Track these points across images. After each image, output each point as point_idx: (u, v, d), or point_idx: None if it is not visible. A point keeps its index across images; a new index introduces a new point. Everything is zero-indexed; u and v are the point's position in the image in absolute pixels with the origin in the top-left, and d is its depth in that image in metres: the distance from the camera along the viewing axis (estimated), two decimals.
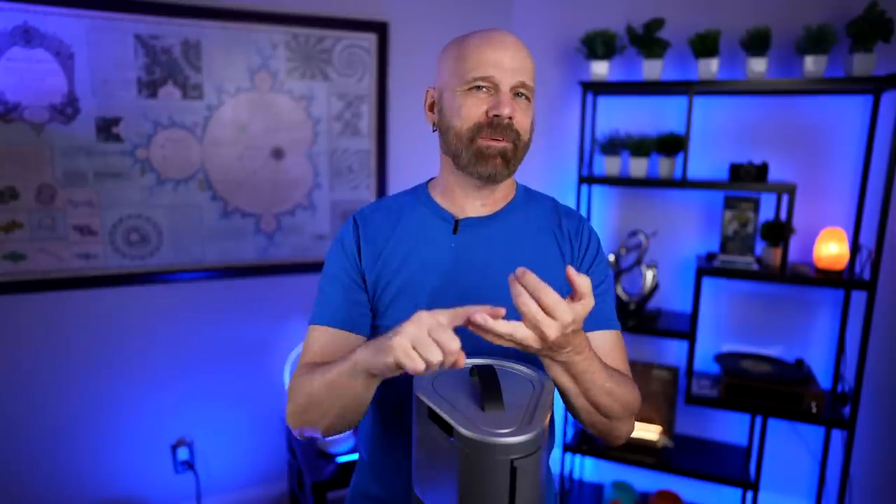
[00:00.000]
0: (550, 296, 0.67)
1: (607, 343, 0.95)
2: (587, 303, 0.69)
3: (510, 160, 0.89)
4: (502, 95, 0.87)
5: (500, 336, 0.70)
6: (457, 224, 0.96)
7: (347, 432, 2.12)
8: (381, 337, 0.74)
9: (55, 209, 1.98)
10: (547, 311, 0.67)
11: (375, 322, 0.96)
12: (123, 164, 2.05)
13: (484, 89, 0.88)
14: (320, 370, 0.84)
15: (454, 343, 0.67)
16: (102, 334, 2.11)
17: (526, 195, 1.02)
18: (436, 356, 0.67)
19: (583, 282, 0.68)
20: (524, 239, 0.96)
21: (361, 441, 1.04)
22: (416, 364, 0.68)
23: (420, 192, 1.01)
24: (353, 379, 0.78)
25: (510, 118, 0.87)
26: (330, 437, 0.91)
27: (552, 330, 0.68)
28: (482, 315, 0.68)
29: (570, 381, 0.80)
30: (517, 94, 0.89)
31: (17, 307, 1.99)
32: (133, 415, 2.20)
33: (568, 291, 0.91)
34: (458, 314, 0.69)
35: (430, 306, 0.92)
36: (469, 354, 0.87)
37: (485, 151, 0.88)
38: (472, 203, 0.96)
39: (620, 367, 0.94)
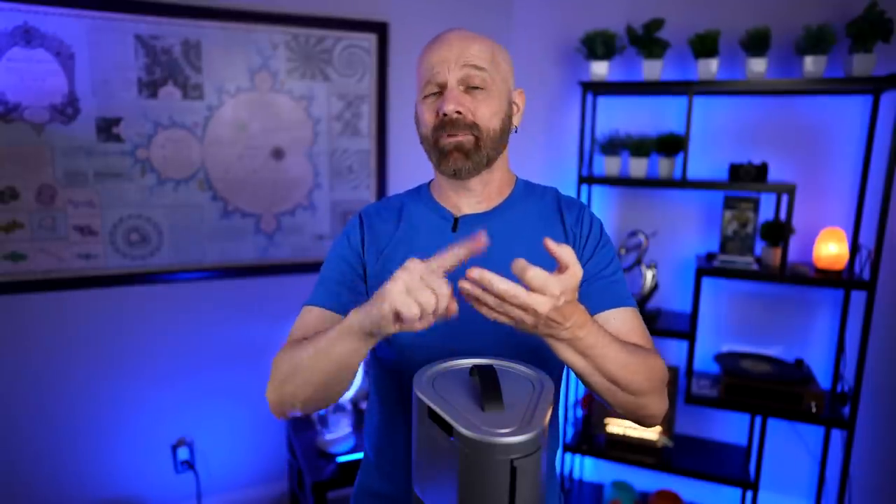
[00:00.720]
0: (536, 276, 0.66)
1: (626, 322, 0.92)
2: (574, 272, 0.69)
3: (470, 152, 0.90)
4: (447, 92, 0.89)
5: (491, 306, 0.70)
6: (456, 222, 0.97)
7: (348, 434, 2.12)
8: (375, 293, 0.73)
9: (55, 209, 1.99)
10: (536, 290, 0.67)
11: None
12: (124, 164, 2.05)
13: (437, 94, 0.91)
14: (309, 340, 0.83)
15: (445, 287, 0.68)
16: (102, 334, 2.12)
17: (525, 189, 1.03)
18: (429, 299, 0.68)
19: (564, 252, 0.68)
20: (523, 233, 0.97)
21: (367, 439, 1.05)
22: (410, 309, 0.67)
23: (422, 192, 1.03)
24: (343, 341, 0.77)
25: (458, 112, 0.88)
26: (306, 411, 0.88)
27: (543, 305, 0.67)
28: (479, 270, 0.67)
29: (580, 359, 0.77)
30: (472, 87, 0.90)
31: (18, 307, 1.99)
32: (133, 414, 2.20)
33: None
34: (445, 258, 0.70)
35: None
36: (469, 354, 0.87)
37: (443, 149, 0.90)
38: (467, 201, 0.97)
39: (642, 343, 0.91)
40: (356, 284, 0.96)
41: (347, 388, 0.86)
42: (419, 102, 0.94)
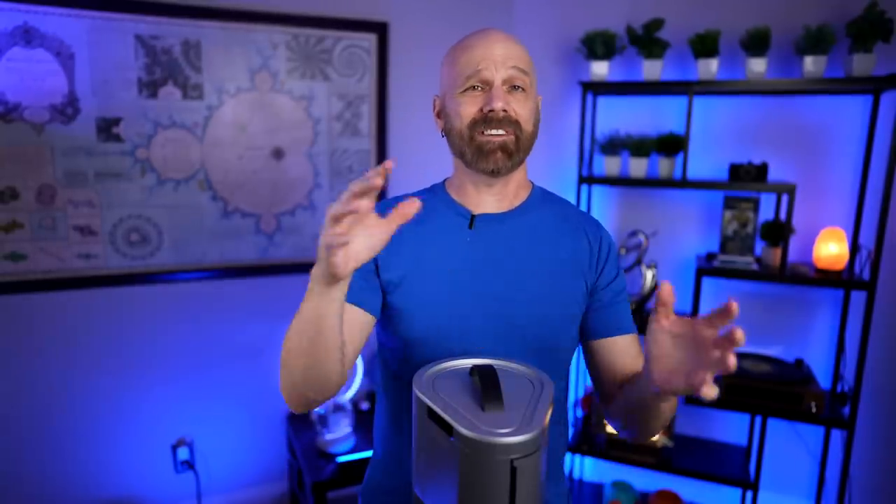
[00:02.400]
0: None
1: (633, 346, 1.01)
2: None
3: (512, 152, 0.91)
4: (494, 90, 0.89)
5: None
6: (472, 219, 0.97)
7: (348, 434, 2.12)
8: None
9: (55, 209, 1.99)
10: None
11: (391, 312, 0.96)
12: (123, 164, 2.05)
13: (478, 88, 0.90)
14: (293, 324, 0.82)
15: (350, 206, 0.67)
16: (102, 334, 2.11)
17: (542, 196, 1.04)
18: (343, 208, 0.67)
19: None
20: (539, 237, 0.98)
21: (375, 437, 1.06)
22: (334, 228, 0.67)
23: (437, 189, 1.04)
24: (310, 299, 0.76)
25: (505, 110, 0.89)
26: (315, 397, 0.86)
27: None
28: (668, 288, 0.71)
29: (673, 403, 0.88)
30: (513, 87, 0.90)
31: (18, 307, 1.99)
32: (133, 415, 2.20)
33: (580, 289, 0.96)
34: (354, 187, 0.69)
35: (445, 299, 0.93)
36: (471, 354, 0.87)
37: (485, 146, 0.90)
38: (486, 199, 0.98)
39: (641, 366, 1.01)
40: (369, 278, 0.94)
41: (339, 364, 0.83)
42: (453, 96, 0.92)
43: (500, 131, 0.89)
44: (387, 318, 0.97)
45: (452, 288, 0.93)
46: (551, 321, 0.95)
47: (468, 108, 0.91)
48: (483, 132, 0.90)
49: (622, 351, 1.00)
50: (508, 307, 0.93)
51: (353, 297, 0.93)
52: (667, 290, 0.73)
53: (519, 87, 0.91)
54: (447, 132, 0.96)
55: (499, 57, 0.89)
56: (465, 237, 0.96)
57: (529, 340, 0.93)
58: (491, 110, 0.88)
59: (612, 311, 1.01)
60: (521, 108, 0.90)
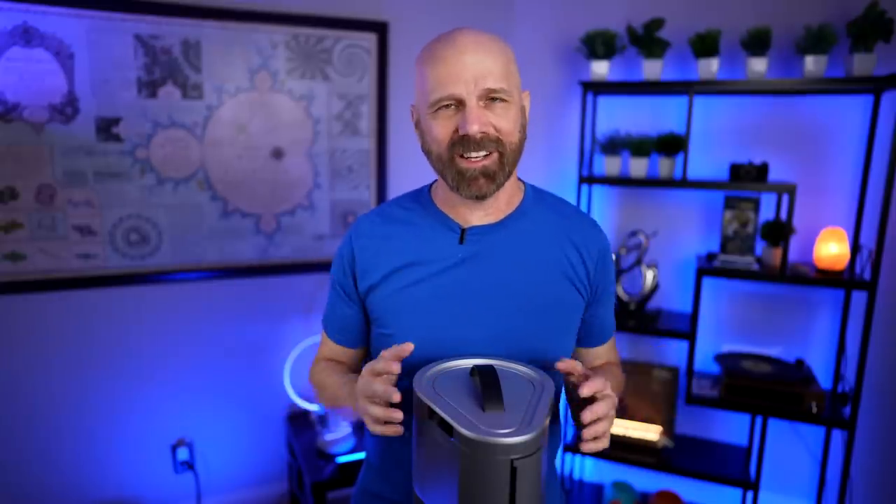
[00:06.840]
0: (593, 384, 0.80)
1: (610, 347, 1.09)
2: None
3: (495, 174, 0.85)
4: (468, 111, 0.82)
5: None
6: (463, 233, 0.93)
7: (348, 435, 2.12)
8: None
9: (55, 209, 1.98)
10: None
11: (387, 331, 0.94)
12: (123, 164, 2.05)
13: (451, 107, 0.84)
14: (328, 384, 0.99)
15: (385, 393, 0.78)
16: (102, 334, 2.11)
17: (535, 198, 0.99)
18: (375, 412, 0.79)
19: (574, 366, 0.82)
20: (532, 246, 0.94)
21: (368, 441, 1.05)
22: (367, 411, 0.80)
23: (424, 199, 0.98)
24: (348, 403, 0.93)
25: (483, 132, 0.82)
26: None
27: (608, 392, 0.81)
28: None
29: None
30: (491, 99, 0.83)
31: (17, 307, 1.99)
32: (133, 415, 2.20)
33: (576, 298, 0.96)
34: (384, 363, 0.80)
35: (438, 315, 0.91)
36: (470, 354, 0.87)
37: (466, 173, 0.85)
38: (475, 213, 0.93)
39: (615, 359, 1.11)
40: (351, 311, 1.00)
41: None
42: (426, 115, 0.86)
43: (481, 153, 0.83)
44: (385, 339, 0.94)
45: (442, 308, 0.90)
46: (548, 334, 0.92)
47: (442, 132, 0.84)
48: (462, 155, 0.84)
49: (594, 358, 1.07)
50: (502, 323, 0.90)
51: (344, 341, 1.03)
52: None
53: (498, 98, 0.83)
54: (425, 152, 0.90)
55: (470, 72, 0.81)
56: (455, 253, 0.92)
57: (525, 354, 0.89)
58: (466, 134, 0.82)
59: (597, 320, 1.02)
60: (501, 122, 0.84)
